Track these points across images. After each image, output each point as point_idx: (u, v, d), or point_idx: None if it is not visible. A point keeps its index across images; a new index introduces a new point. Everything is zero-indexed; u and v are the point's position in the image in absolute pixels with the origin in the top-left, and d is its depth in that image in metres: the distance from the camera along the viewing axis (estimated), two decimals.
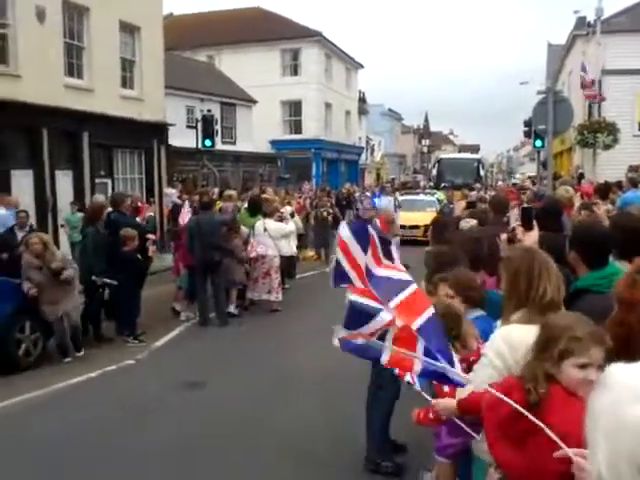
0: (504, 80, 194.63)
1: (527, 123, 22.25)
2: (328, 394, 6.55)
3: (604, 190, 10.16)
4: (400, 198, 22.54)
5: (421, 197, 23.84)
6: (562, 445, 1.86)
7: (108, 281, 8.82)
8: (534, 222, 3.83)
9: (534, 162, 37.19)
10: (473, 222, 6.61)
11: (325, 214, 16.30)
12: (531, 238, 3.78)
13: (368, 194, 24.58)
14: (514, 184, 34.44)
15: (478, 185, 25.02)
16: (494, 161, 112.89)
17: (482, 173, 33.95)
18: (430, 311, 2.70)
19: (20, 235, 9.64)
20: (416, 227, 18.59)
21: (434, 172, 38.14)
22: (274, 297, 10.73)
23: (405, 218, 17.85)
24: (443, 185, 27.15)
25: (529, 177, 34.17)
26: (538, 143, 19.04)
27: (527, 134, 23.60)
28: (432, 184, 36.70)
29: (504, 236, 5.29)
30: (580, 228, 4.02)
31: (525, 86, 33.63)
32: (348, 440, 5.22)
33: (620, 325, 2.24)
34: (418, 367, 2.60)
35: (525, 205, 4.07)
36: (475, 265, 4.21)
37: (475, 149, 78.89)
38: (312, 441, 5.43)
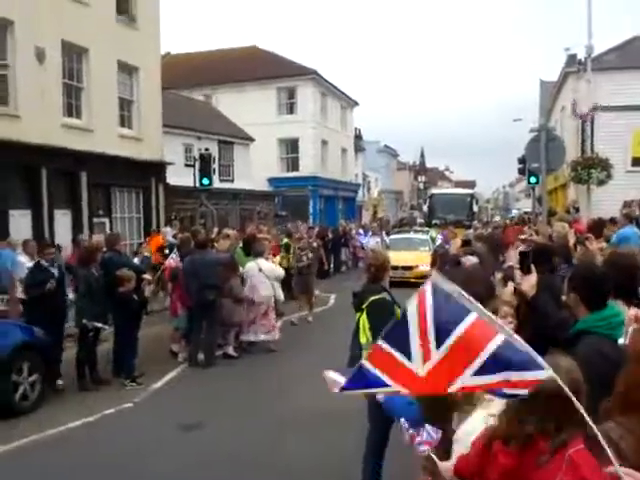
0: (500, 115, 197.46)
1: (521, 160, 22.45)
2: (327, 435, 6.46)
3: (598, 227, 10.18)
4: (391, 237, 22.25)
5: (414, 236, 22.69)
6: (614, 462, 1.82)
7: (99, 325, 8.76)
8: (532, 265, 3.84)
9: (530, 198, 37.37)
10: (474, 259, 6.59)
11: (305, 259, 13.89)
12: (529, 282, 3.78)
13: (354, 233, 24.41)
14: (511, 218, 34.58)
15: (476, 223, 23.94)
16: (490, 197, 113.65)
17: (475, 209, 32.62)
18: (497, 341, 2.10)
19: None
20: (409, 268, 17.54)
21: (425, 208, 36.84)
22: (271, 337, 10.66)
23: (397, 258, 15.95)
24: (434, 222, 26.32)
25: (525, 213, 34.28)
26: (532, 180, 19.25)
27: (521, 171, 23.80)
28: (422, 221, 36.10)
29: (499, 275, 5.28)
30: (580, 269, 4.02)
31: (520, 122, 33.96)
32: None
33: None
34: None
35: (522, 249, 4.06)
36: None
37: (471, 185, 79.41)
38: None
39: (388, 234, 23.91)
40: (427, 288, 2.20)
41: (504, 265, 6.06)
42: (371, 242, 16.19)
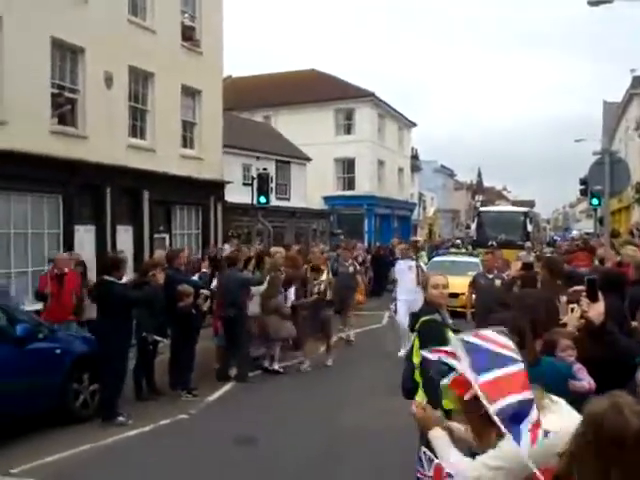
0: (559, 135, 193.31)
1: (583, 181, 21.95)
2: (385, 453, 6.46)
3: None
4: (434, 259, 19.96)
5: (461, 258, 19.75)
6: None
7: (158, 338, 9.04)
8: (599, 293, 3.71)
9: (591, 219, 36.34)
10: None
11: (316, 290, 10.90)
12: (597, 310, 3.65)
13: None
14: (571, 239, 33.10)
15: (529, 244, 20.93)
16: (550, 217, 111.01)
17: (530, 228, 28.64)
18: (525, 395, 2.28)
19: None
20: (454, 295, 15.11)
21: (473, 227, 32.96)
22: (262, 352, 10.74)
23: None
24: (491, 243, 21.09)
25: (586, 234, 33.32)
26: (595, 202, 18.69)
27: (583, 192, 23.24)
28: (467, 242, 32.88)
29: (564, 299, 5.16)
30: None
31: (581, 142, 33.17)
32: None
33: None
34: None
35: (590, 276, 3.95)
36: (533, 331, 4.13)
37: (530, 205, 77.82)
38: None
39: (430, 257, 21.61)
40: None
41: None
42: (401, 266, 12.21)
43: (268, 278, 10.48)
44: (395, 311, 12.07)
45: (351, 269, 13.62)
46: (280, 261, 11.04)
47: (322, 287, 10.94)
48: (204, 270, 10.72)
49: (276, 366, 10.49)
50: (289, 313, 10.58)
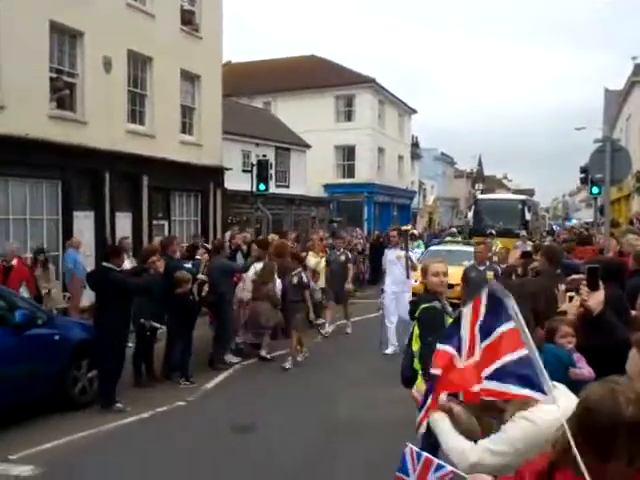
0: (560, 123, 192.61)
1: (583, 170, 21.89)
2: (376, 444, 6.47)
3: None
4: (430, 249, 18.95)
5: (457, 247, 18.56)
6: None
7: (156, 325, 9.03)
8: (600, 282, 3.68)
9: (590, 208, 36.31)
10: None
11: (295, 280, 10.34)
12: (597, 299, 3.63)
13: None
14: (570, 228, 32.92)
15: (524, 232, 19.88)
16: (549, 206, 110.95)
17: (528, 217, 27.99)
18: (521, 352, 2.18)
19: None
20: (450, 286, 14.08)
21: (470, 215, 31.76)
22: (259, 340, 10.77)
23: None
24: (489, 232, 20.12)
25: (585, 223, 33.28)
26: (595, 190, 18.68)
27: (584, 181, 23.20)
28: (462, 230, 31.73)
29: (562, 287, 5.15)
30: None
31: (581, 130, 32.97)
32: None
33: None
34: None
35: (592, 265, 3.91)
36: (535, 320, 4.12)
37: (529, 194, 77.75)
38: None
39: (427, 245, 21.50)
40: (484, 292, 2.31)
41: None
42: (389, 256, 11.31)
43: (262, 264, 10.46)
44: (383, 304, 11.21)
45: (342, 258, 13.30)
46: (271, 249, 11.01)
47: (304, 279, 10.44)
48: (198, 257, 10.70)
49: (264, 352, 10.45)
50: (279, 302, 10.54)
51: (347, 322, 13.22)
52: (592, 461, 1.79)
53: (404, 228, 12.35)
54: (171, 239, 10.75)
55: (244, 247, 12.28)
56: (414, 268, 10.61)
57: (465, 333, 2.36)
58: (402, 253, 10.91)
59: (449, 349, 2.41)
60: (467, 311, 2.37)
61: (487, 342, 2.25)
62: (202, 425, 7.30)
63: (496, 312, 2.24)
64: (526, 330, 2.19)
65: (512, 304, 2.23)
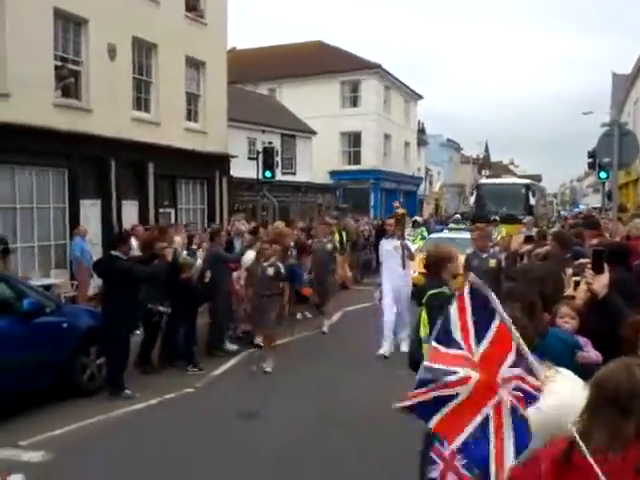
0: (566, 108, 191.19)
1: (591, 154, 21.72)
2: (379, 431, 6.48)
3: None
4: (431, 236, 17.87)
5: (458, 235, 16.58)
6: None
7: (163, 309, 9.03)
8: (605, 265, 3.64)
9: (598, 193, 36.08)
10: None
11: (272, 272, 9.33)
12: (601, 281, 3.61)
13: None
14: (578, 214, 32.49)
15: (529, 218, 19.59)
16: (557, 191, 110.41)
17: (533, 202, 26.61)
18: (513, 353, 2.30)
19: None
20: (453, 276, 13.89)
21: (472, 200, 30.29)
22: None
23: None
24: (493, 218, 18.83)
25: (593, 209, 33.08)
26: (603, 175, 18.53)
27: (591, 165, 23.02)
28: (467, 217, 29.14)
29: (570, 271, 5.12)
30: None
31: (589, 115, 32.61)
32: None
33: None
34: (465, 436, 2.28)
35: (597, 248, 3.88)
36: (542, 303, 4.11)
37: (537, 179, 77.44)
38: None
39: (429, 232, 20.36)
40: (466, 290, 2.40)
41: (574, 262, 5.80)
42: (385, 246, 10.34)
43: (255, 250, 10.34)
44: (380, 299, 10.35)
45: (329, 246, 12.38)
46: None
47: (282, 269, 9.49)
48: (193, 247, 10.65)
49: (257, 340, 10.19)
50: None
51: (324, 320, 11.93)
52: (605, 437, 1.84)
53: (399, 212, 11.10)
54: (167, 227, 10.86)
55: (247, 235, 12.13)
56: (412, 258, 10.04)
57: (455, 329, 2.41)
58: (399, 242, 10.05)
59: (441, 348, 2.44)
60: (454, 310, 2.43)
61: (487, 341, 2.33)
62: (210, 411, 7.33)
63: (484, 307, 2.34)
64: (511, 324, 2.30)
65: (494, 298, 2.33)
